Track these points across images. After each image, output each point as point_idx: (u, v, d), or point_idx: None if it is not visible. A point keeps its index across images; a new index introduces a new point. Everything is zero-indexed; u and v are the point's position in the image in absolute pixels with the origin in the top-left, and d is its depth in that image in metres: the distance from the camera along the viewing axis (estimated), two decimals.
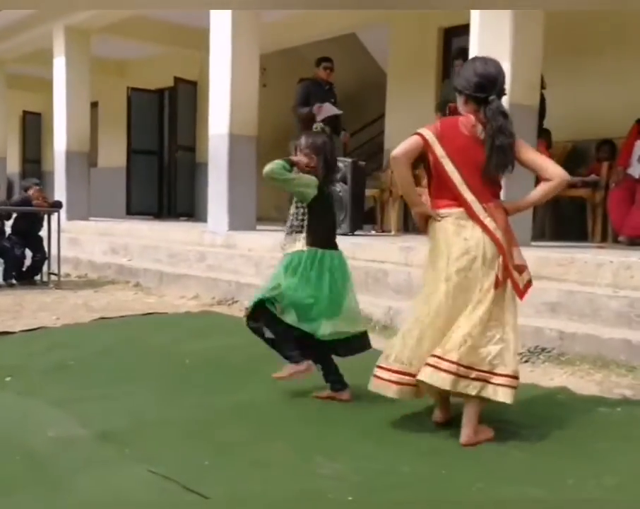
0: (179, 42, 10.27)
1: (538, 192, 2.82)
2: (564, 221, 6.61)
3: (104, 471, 2.31)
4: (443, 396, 2.78)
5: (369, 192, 7.32)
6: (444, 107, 6.03)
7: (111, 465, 2.36)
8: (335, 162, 3.31)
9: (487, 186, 2.72)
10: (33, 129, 16.02)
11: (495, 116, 2.66)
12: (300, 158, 3.14)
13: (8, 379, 3.41)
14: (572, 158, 6.88)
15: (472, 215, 2.68)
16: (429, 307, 2.69)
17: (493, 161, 2.67)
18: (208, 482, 2.20)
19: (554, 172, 2.71)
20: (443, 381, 2.57)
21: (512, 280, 2.69)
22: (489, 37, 4.76)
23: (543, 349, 3.72)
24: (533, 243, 5.07)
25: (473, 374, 2.58)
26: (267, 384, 3.35)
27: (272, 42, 8.63)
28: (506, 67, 4.63)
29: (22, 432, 2.66)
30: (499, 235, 2.67)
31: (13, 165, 15.19)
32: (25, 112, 15.89)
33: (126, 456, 2.44)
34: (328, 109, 7.02)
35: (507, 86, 4.72)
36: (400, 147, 2.69)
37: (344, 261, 3.19)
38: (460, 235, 2.68)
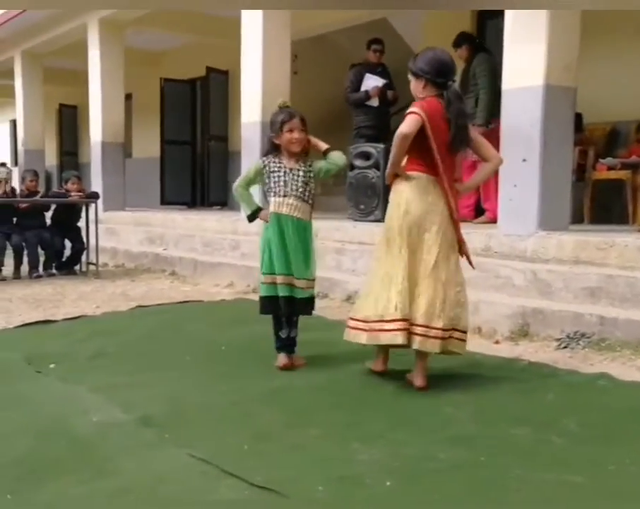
0: (210, 31, 10.29)
1: (481, 174, 3.36)
2: (603, 204, 6.47)
3: (145, 455, 2.36)
4: (387, 350, 3.20)
5: None
6: None
7: (153, 449, 2.41)
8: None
9: (451, 165, 3.08)
10: (69, 121, 16.29)
11: (456, 99, 3.02)
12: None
13: (52, 366, 3.50)
14: (612, 140, 6.73)
15: (442, 187, 3.03)
16: (397, 265, 3.01)
17: (458, 139, 3.02)
18: (247, 467, 2.23)
19: (492, 153, 3.15)
20: (433, 346, 2.99)
21: (465, 249, 3.18)
22: (525, 18, 4.66)
23: (583, 334, 3.65)
24: (572, 227, 4.98)
25: (447, 334, 3.02)
26: (300, 370, 3.40)
27: (303, 29, 8.58)
28: (543, 48, 4.58)
29: (67, 417, 2.73)
30: (455, 212, 3.08)
31: (51, 158, 15.47)
32: (61, 105, 16.16)
33: (167, 440, 2.48)
34: (372, 82, 6.94)
35: (544, 67, 4.74)
36: (407, 125, 2.96)
37: None
38: (425, 196, 3.02)
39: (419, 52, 3.15)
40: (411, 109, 3.01)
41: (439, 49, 3.13)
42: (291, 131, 3.32)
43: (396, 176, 3.12)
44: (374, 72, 7.05)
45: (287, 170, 3.36)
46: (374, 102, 7.01)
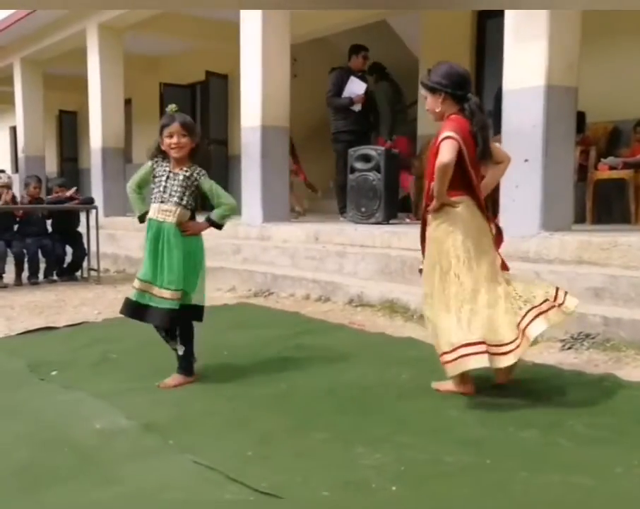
0: (209, 35, 10.28)
1: (496, 175, 3.15)
2: (605, 204, 6.46)
3: (149, 461, 2.34)
4: None
5: None
6: None
7: (156, 456, 2.39)
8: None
9: (478, 177, 3.00)
10: (69, 127, 16.30)
11: (479, 110, 2.92)
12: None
13: (54, 373, 3.48)
14: (613, 139, 6.72)
15: (480, 205, 2.97)
16: (473, 284, 2.88)
17: (485, 153, 2.93)
18: (252, 472, 2.21)
19: (504, 154, 3.10)
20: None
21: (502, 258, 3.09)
22: (525, 18, 4.65)
23: (587, 335, 3.64)
24: (574, 227, 4.96)
25: None
26: (303, 374, 3.38)
27: (302, 32, 8.57)
28: (544, 48, 4.56)
29: (69, 424, 2.72)
30: (490, 220, 3.05)
31: (51, 164, 15.47)
32: (61, 111, 16.17)
33: (171, 446, 2.47)
34: (357, 86, 7.02)
35: (545, 67, 4.68)
36: (448, 154, 2.83)
37: None
38: (474, 217, 2.96)
39: (433, 67, 3.05)
40: (447, 134, 2.86)
41: (453, 62, 3.03)
42: (170, 135, 3.27)
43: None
44: (356, 77, 7.20)
45: (171, 175, 3.31)
46: (357, 107, 7.14)
